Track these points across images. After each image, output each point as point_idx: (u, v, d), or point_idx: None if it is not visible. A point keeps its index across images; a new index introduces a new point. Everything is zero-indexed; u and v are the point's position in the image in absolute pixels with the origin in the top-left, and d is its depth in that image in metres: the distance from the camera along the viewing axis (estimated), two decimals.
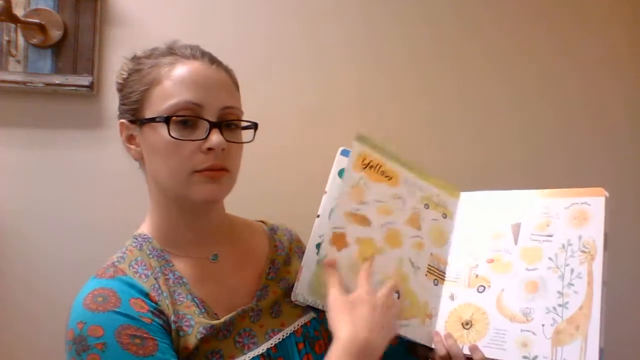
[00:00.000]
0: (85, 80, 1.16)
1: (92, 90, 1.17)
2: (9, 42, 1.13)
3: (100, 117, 1.19)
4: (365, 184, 0.86)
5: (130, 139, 0.77)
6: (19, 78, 1.13)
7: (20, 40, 1.13)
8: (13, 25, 1.12)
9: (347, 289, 0.75)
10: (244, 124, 0.79)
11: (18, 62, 1.13)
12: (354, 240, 0.83)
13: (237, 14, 1.26)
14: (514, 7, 1.40)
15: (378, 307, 0.71)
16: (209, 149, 0.71)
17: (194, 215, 0.78)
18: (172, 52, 0.76)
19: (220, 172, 0.73)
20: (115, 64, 1.19)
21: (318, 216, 0.86)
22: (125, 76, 0.78)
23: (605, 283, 0.74)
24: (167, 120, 0.71)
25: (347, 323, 0.68)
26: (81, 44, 1.16)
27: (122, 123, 0.78)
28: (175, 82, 0.73)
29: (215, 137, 0.72)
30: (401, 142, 1.32)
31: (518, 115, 1.39)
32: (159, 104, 0.73)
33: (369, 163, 0.87)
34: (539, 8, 1.41)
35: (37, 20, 1.12)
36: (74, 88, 1.15)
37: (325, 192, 0.87)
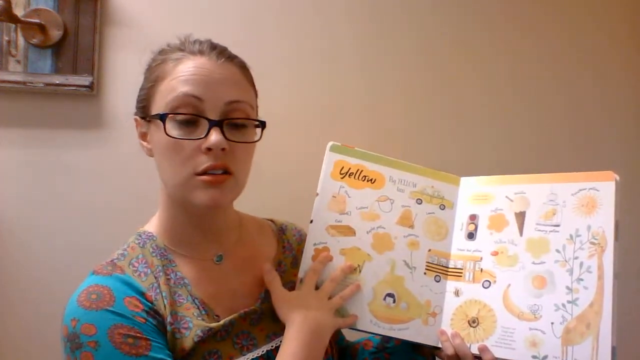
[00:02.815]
0: (85, 80, 1.15)
1: (92, 90, 1.16)
2: (9, 42, 1.13)
3: (100, 117, 1.19)
4: (347, 192, 0.84)
5: (143, 135, 0.77)
6: (19, 78, 1.13)
7: (20, 40, 1.13)
8: (13, 25, 1.12)
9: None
10: (255, 121, 0.76)
11: (18, 62, 1.13)
12: (338, 252, 0.82)
13: (238, 14, 1.26)
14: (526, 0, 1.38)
15: (322, 294, 0.78)
16: (208, 149, 0.69)
17: (200, 217, 0.76)
18: (182, 48, 0.75)
19: (222, 176, 0.70)
20: (115, 64, 1.19)
21: (311, 221, 0.83)
22: (144, 72, 0.78)
23: (617, 276, 0.71)
24: (163, 117, 0.70)
25: (298, 309, 0.74)
26: (81, 44, 1.16)
27: (135, 119, 0.78)
28: (177, 78, 0.71)
29: (214, 137, 0.69)
30: (408, 142, 1.32)
31: (526, 109, 1.37)
32: (161, 101, 0.72)
33: (348, 171, 0.85)
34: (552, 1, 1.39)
35: (37, 20, 1.12)
36: (74, 88, 1.15)
37: (317, 194, 0.84)
